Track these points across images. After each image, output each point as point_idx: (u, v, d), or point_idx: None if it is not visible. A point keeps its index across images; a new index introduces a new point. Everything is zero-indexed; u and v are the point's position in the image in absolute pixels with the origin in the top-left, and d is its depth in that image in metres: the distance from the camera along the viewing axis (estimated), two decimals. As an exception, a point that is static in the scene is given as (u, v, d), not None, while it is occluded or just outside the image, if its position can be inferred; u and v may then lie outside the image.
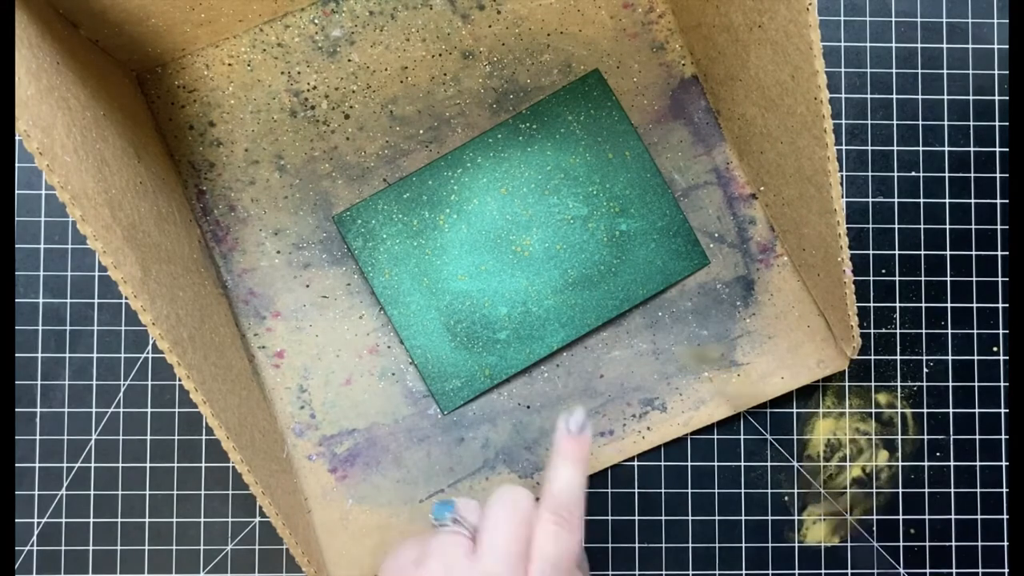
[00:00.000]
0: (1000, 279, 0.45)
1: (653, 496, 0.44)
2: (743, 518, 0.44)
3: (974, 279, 0.45)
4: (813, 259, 0.40)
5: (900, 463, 0.44)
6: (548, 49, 0.43)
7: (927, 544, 0.44)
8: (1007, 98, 0.45)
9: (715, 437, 0.44)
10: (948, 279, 0.45)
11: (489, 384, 0.43)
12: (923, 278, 0.45)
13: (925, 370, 0.44)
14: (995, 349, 0.45)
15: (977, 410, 0.44)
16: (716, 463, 0.44)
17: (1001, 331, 0.45)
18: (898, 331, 0.44)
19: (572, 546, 0.32)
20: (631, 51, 0.43)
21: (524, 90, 0.43)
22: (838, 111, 0.45)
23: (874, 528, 0.44)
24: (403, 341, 0.42)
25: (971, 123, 0.45)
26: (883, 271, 0.45)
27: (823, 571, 0.44)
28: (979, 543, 0.44)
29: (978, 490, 0.44)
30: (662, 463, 0.44)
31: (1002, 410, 0.44)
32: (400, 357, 0.43)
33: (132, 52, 0.40)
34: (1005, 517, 0.44)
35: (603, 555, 0.43)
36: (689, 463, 0.44)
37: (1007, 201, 0.45)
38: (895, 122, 0.45)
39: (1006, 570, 0.44)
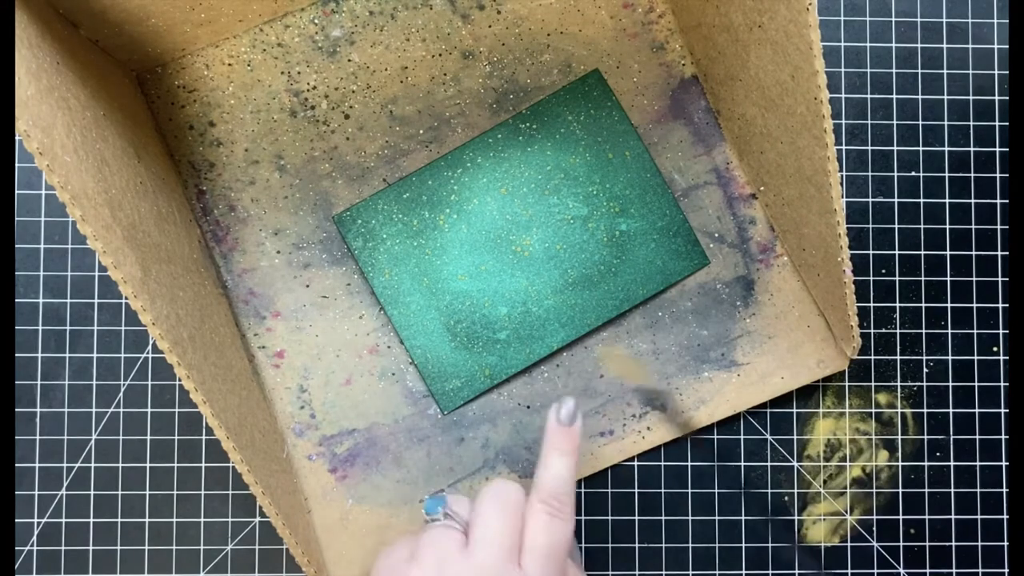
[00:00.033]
0: (1000, 279, 0.45)
1: (653, 496, 0.44)
2: (743, 518, 0.44)
3: (974, 279, 0.45)
4: (813, 259, 0.40)
5: (900, 463, 0.44)
6: (548, 49, 0.43)
7: (927, 544, 0.44)
8: (1007, 98, 0.45)
9: (715, 437, 0.44)
10: (948, 279, 0.45)
11: (489, 384, 0.43)
12: (923, 278, 0.45)
13: (925, 370, 0.44)
14: (995, 349, 0.45)
15: (977, 410, 0.44)
16: (716, 463, 0.44)
17: (1001, 331, 0.45)
18: (898, 331, 0.44)
19: (564, 536, 0.32)
20: (631, 51, 0.43)
21: (524, 90, 0.43)
22: (838, 111, 0.45)
23: (874, 528, 0.44)
24: (403, 341, 0.42)
25: (971, 123, 0.45)
26: (883, 271, 0.45)
27: (823, 571, 0.44)
28: (979, 543, 0.44)
29: (978, 490, 0.44)
30: (662, 463, 0.44)
31: (1002, 410, 0.44)
32: (400, 357, 0.43)
33: (132, 52, 0.40)
34: (1005, 517, 0.44)
35: (603, 555, 0.43)
36: (689, 463, 0.44)
37: (1007, 201, 0.45)
38: (895, 122, 0.45)
39: (1006, 570, 0.44)
